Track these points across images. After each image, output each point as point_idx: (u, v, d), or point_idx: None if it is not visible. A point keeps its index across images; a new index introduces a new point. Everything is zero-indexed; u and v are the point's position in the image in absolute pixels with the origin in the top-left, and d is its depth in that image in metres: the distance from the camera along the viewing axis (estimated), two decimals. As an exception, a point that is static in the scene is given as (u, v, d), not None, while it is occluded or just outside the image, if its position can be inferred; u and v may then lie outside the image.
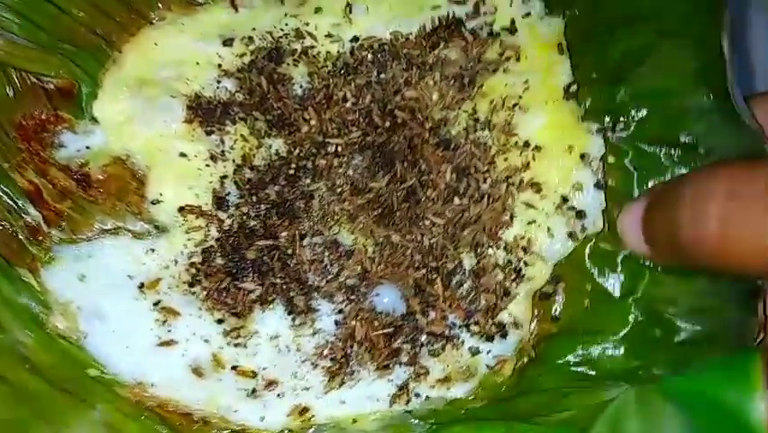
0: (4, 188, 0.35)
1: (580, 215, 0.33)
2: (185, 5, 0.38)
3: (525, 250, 0.33)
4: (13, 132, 0.36)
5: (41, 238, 0.34)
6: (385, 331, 0.32)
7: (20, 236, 0.34)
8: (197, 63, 0.37)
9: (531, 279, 0.33)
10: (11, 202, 0.35)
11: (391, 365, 0.32)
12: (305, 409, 0.32)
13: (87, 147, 0.36)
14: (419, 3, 0.38)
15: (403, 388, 0.33)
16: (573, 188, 0.33)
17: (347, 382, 0.32)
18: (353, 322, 0.33)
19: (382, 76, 0.36)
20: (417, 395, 0.32)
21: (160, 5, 0.38)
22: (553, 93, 0.34)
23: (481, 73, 0.35)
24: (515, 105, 0.35)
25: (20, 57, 0.36)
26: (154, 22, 0.38)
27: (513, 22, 0.38)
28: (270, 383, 0.33)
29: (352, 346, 0.33)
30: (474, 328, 0.33)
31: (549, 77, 0.35)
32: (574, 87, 0.34)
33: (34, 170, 0.36)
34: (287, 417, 0.32)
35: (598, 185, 0.33)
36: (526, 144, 0.34)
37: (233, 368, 0.33)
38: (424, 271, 0.33)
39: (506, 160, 0.34)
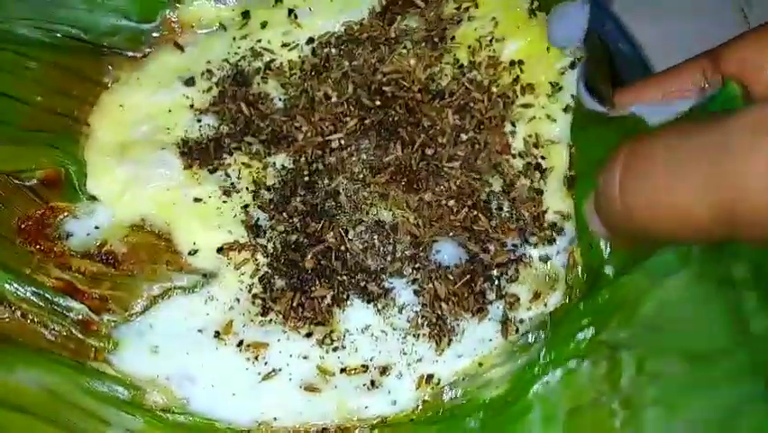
0: (38, 292, 0.36)
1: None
2: (132, 62, 0.41)
3: (536, 145, 0.39)
4: (16, 238, 0.36)
5: (95, 328, 0.36)
6: (463, 280, 0.37)
7: (75, 333, 0.35)
8: (169, 111, 0.40)
9: (553, 168, 0.39)
10: (50, 305, 0.35)
11: (484, 307, 0.37)
12: (429, 378, 0.36)
13: (96, 227, 0.38)
14: (359, -7, 0.42)
15: (505, 321, 0.37)
16: (559, 74, 0.39)
17: (453, 338, 0.36)
18: (430, 285, 0.37)
19: (354, 63, 0.41)
20: (521, 321, 0.37)
21: (109, 67, 0.40)
22: (520, 18, 0.41)
23: (448, 28, 0.41)
24: (491, 41, 0.40)
25: None
26: (110, 86, 0.40)
27: None
28: (384, 370, 0.36)
29: (440, 306, 0.37)
30: (533, 240, 0.38)
31: (510, 7, 0.41)
32: (536, 4, 0.40)
33: (57, 267, 0.36)
34: (416, 391, 0.36)
35: (572, 65, 0.39)
36: (512, 63, 0.40)
37: (343, 370, 0.36)
38: (464, 211, 0.38)
39: (498, 85, 0.40)
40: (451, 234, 0.38)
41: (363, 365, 0.36)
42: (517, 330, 0.37)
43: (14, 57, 0.38)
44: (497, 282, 0.37)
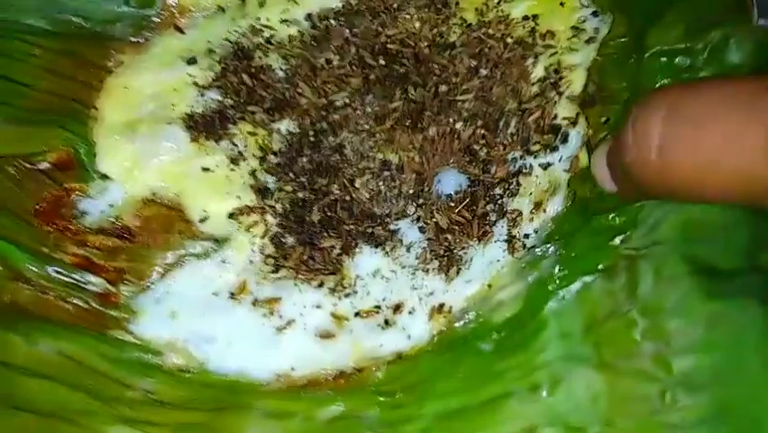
0: (58, 270, 0.37)
1: (593, 30, 0.40)
2: (134, 46, 0.42)
3: (556, 71, 0.39)
4: (33, 220, 0.37)
5: (113, 300, 0.37)
6: (463, 206, 0.37)
7: (93, 305, 0.36)
8: (174, 89, 0.42)
9: (570, 83, 0.39)
10: (68, 279, 0.36)
11: (488, 230, 0.37)
12: (440, 307, 0.36)
13: (110, 204, 0.39)
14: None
15: (510, 239, 0.37)
16: (579, 21, 0.40)
17: (462, 267, 0.37)
18: (434, 219, 0.37)
19: (355, 30, 0.42)
20: (526, 236, 0.37)
21: (112, 52, 0.41)
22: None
23: None
24: (499, 2, 0.41)
25: (7, 142, 0.38)
26: (113, 70, 0.41)
27: None
28: (397, 308, 0.37)
29: (446, 237, 0.37)
30: (534, 148, 0.39)
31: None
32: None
33: (73, 244, 0.37)
34: (429, 323, 0.36)
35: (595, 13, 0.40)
36: (525, 18, 0.41)
37: (356, 314, 0.37)
38: (470, 132, 0.38)
39: (511, 37, 0.40)
40: (452, 161, 0.38)
41: (376, 306, 0.37)
42: (524, 246, 0.37)
43: (20, 45, 0.40)
44: (498, 201, 0.37)
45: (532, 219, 0.37)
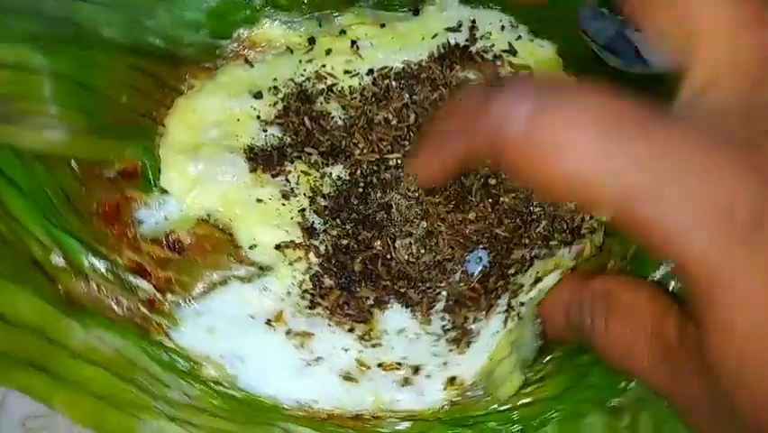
0: (112, 270, 0.43)
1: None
2: (206, 71, 0.50)
3: None
4: (95, 220, 0.44)
5: (158, 307, 0.43)
6: (477, 280, 0.45)
7: (141, 309, 0.43)
8: (238, 120, 0.49)
9: None
10: (121, 281, 0.43)
11: (494, 302, 0.44)
12: (453, 379, 0.43)
13: (166, 218, 0.46)
14: (417, 33, 0.52)
15: (508, 309, 0.44)
16: None
17: (472, 340, 0.44)
18: (457, 290, 0.45)
19: (415, 97, 0.49)
20: (522, 303, 0.44)
21: (186, 76, 0.49)
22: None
23: None
24: None
25: (84, 148, 0.45)
26: (185, 92, 0.49)
27: (510, 45, 0.52)
28: (416, 369, 0.44)
29: (462, 310, 0.44)
30: (553, 243, 0.45)
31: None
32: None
33: (129, 249, 0.44)
34: (443, 392, 0.43)
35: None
36: None
37: (379, 366, 0.43)
38: (504, 226, 0.46)
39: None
40: (481, 246, 0.45)
41: (398, 363, 0.43)
42: (518, 315, 0.43)
43: (103, 57, 0.46)
44: (508, 278, 0.44)
45: (529, 291, 0.43)
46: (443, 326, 0.45)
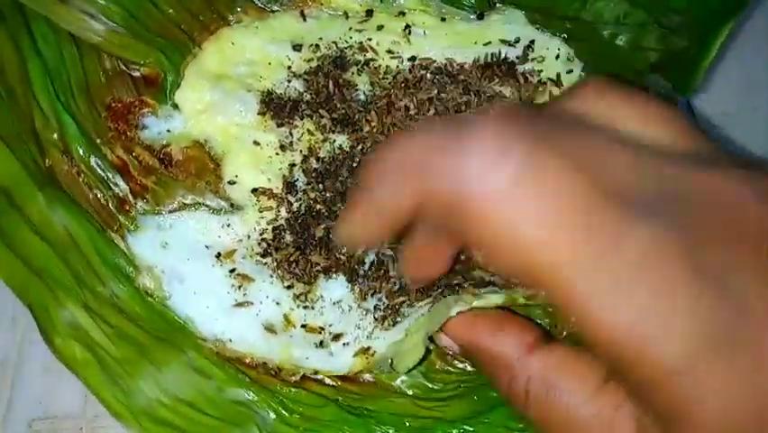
0: (98, 161, 0.49)
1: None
2: (259, 11, 0.54)
3: None
4: (104, 112, 0.50)
5: (127, 208, 0.49)
6: None
7: (110, 205, 0.48)
8: (269, 63, 0.53)
9: None
10: (102, 174, 0.49)
11: (433, 295, 0.47)
12: (366, 349, 0.46)
13: (168, 130, 0.51)
14: (473, 36, 0.55)
15: (437, 297, 0.46)
16: None
17: (398, 321, 0.47)
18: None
19: (442, 95, 0.52)
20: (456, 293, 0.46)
21: (238, 9, 0.53)
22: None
23: None
24: None
25: (117, 45, 0.51)
26: (231, 23, 0.53)
27: (558, 75, 0.54)
28: (337, 336, 0.47)
29: (400, 297, 0.47)
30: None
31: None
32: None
33: (122, 148, 0.49)
34: (352, 358, 0.46)
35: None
36: None
37: (303, 326, 0.47)
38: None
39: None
40: None
41: (321, 327, 0.47)
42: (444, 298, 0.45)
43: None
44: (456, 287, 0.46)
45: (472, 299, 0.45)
46: (377, 305, 0.48)
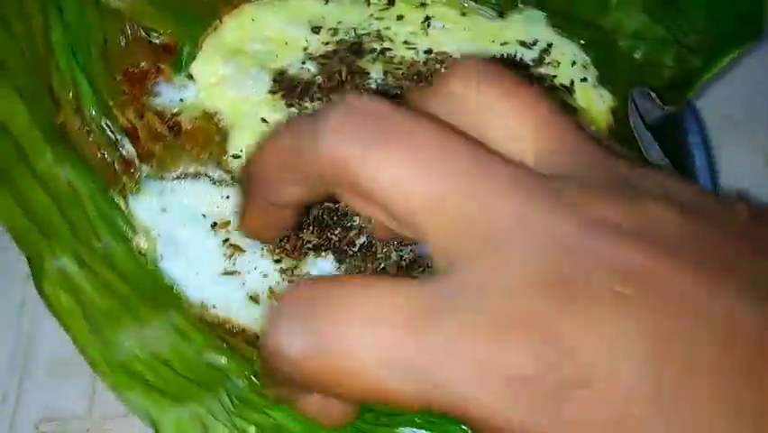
0: (109, 123, 0.51)
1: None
2: (281, -10, 0.56)
3: None
4: (119, 76, 0.52)
5: (132, 171, 0.51)
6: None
7: (115, 166, 0.50)
8: (286, 43, 0.55)
9: None
10: (112, 136, 0.51)
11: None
12: None
13: (181, 100, 0.53)
14: (491, 34, 0.57)
15: None
16: None
17: None
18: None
19: (454, 90, 0.53)
20: None
21: (262, -13, 0.55)
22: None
23: None
24: None
25: (138, 12, 0.53)
26: (253, 0, 0.55)
27: (572, 82, 0.55)
28: None
29: None
30: None
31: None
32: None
33: (134, 112, 0.52)
34: None
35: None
36: None
37: (285, 297, 0.49)
38: None
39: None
40: None
41: None
42: None
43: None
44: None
45: None
46: None
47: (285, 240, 0.50)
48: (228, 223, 0.51)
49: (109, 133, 0.52)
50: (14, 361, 0.53)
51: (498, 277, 0.20)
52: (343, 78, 0.55)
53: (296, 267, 0.50)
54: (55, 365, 0.52)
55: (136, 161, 0.52)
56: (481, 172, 0.21)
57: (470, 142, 0.22)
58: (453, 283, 0.20)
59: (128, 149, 0.52)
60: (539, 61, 0.56)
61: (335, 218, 0.51)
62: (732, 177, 0.55)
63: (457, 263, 0.21)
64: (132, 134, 0.52)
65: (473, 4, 0.58)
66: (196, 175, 0.52)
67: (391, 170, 0.22)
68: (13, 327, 0.54)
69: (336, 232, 0.51)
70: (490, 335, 0.19)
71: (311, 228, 0.51)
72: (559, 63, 0.56)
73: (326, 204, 0.51)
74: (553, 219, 0.20)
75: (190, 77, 0.54)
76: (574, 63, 0.56)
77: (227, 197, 0.52)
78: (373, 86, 0.55)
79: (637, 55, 0.56)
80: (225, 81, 0.54)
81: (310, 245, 0.51)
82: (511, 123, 0.23)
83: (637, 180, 0.22)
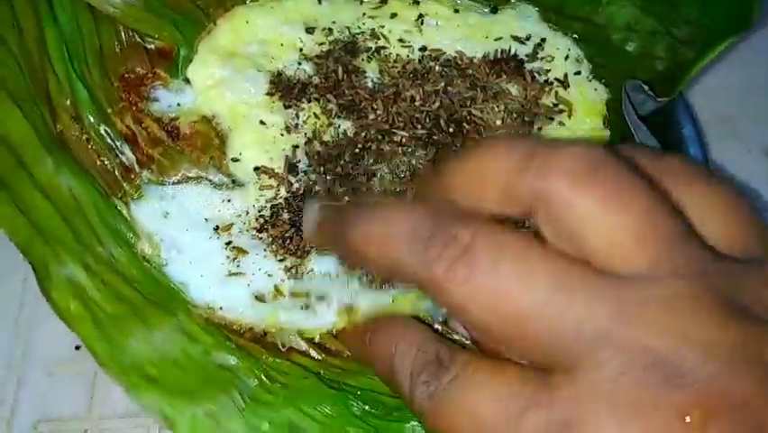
0: (108, 130, 0.53)
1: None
2: (274, -9, 0.57)
3: None
4: (116, 82, 0.54)
5: (132, 177, 0.53)
6: None
7: (116, 173, 0.52)
8: (281, 44, 0.57)
9: None
10: (111, 142, 0.53)
11: None
12: (350, 307, 0.49)
13: (178, 104, 0.55)
14: (485, 30, 0.58)
15: None
16: None
17: (388, 286, 0.49)
18: None
19: (449, 89, 0.55)
20: None
21: (254, -13, 0.57)
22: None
23: (540, 117, 0.55)
24: None
25: (132, 17, 0.55)
26: (247, 1, 0.57)
27: (566, 76, 0.57)
28: (321, 298, 0.50)
29: None
30: None
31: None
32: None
33: (132, 118, 0.53)
34: (336, 317, 0.49)
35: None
36: None
37: (292, 294, 0.50)
38: None
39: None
40: None
41: (307, 292, 0.50)
42: None
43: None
44: None
45: None
46: (369, 276, 0.50)
47: (288, 240, 0.52)
48: (230, 226, 0.53)
49: (108, 139, 0.53)
50: (12, 361, 0.54)
51: None
52: (340, 78, 0.56)
53: (299, 264, 0.52)
54: (53, 366, 0.54)
55: (136, 167, 0.53)
56: None
57: None
58: None
59: (127, 155, 0.53)
60: (533, 56, 0.58)
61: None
62: (725, 168, 0.57)
63: None
64: (131, 140, 0.54)
65: (466, 0, 0.59)
66: (196, 179, 0.54)
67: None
68: (11, 327, 0.55)
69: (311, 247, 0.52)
70: None
71: (313, 228, 0.52)
72: (553, 57, 0.58)
73: (333, 189, 0.53)
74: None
75: (187, 81, 0.55)
76: (568, 57, 0.58)
77: (228, 200, 0.53)
78: (370, 85, 0.56)
79: (630, 48, 0.58)
80: (222, 84, 0.55)
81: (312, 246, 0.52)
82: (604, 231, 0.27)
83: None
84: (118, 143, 0.53)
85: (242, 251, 0.52)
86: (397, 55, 0.57)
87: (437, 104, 0.55)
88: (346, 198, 0.53)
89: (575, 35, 0.58)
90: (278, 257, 0.52)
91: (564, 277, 0.25)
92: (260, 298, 0.51)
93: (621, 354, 0.24)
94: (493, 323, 0.27)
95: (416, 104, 0.55)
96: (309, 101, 0.56)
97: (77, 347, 0.54)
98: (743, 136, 0.59)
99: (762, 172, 0.58)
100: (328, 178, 0.54)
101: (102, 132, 0.53)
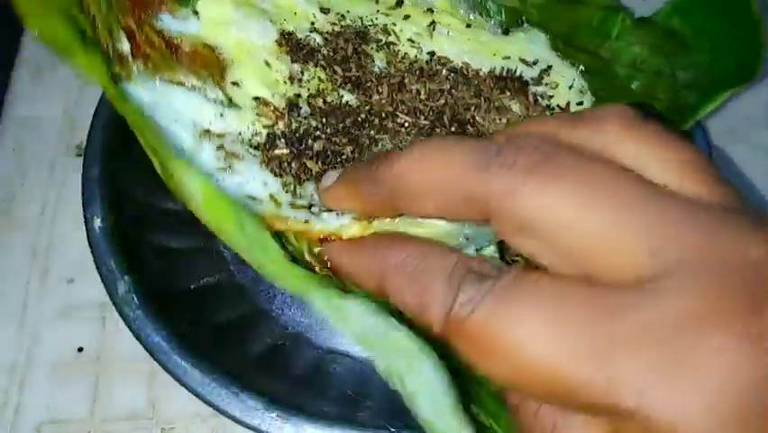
0: (110, 21, 0.49)
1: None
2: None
3: None
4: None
5: (124, 63, 0.49)
6: None
7: (110, 52, 0.48)
8: (295, 13, 0.56)
9: None
10: (109, 31, 0.49)
11: None
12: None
13: (181, 32, 0.52)
14: (494, 48, 0.60)
15: None
16: None
17: None
18: None
19: (454, 92, 0.55)
20: None
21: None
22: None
23: None
24: None
25: None
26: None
27: (568, 104, 0.58)
28: (329, 210, 0.45)
29: None
30: None
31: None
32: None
33: (133, 22, 0.51)
34: (350, 220, 0.44)
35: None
36: None
37: (291, 205, 0.46)
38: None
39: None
40: None
41: (311, 204, 0.46)
42: None
43: None
44: None
45: None
46: None
47: (285, 164, 0.48)
48: (222, 135, 0.48)
49: (107, 28, 0.49)
50: (16, 363, 0.53)
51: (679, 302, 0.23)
52: (349, 55, 0.55)
53: (298, 186, 0.47)
54: (56, 368, 0.53)
55: (129, 58, 0.49)
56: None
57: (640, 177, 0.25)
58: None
59: (124, 45, 0.50)
60: (538, 80, 0.59)
61: (340, 157, 0.49)
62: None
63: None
64: (130, 35, 0.50)
65: (480, 18, 0.61)
66: (191, 87, 0.50)
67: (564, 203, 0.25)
68: (15, 329, 0.55)
69: (340, 164, 0.49)
70: None
71: (314, 159, 0.49)
72: (557, 84, 0.59)
73: (335, 138, 0.50)
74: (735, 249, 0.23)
75: (195, 12, 0.53)
76: (572, 87, 0.59)
77: (221, 115, 0.50)
78: (376, 70, 0.55)
79: (634, 85, 0.59)
80: (231, 23, 0.54)
81: (313, 173, 0.48)
82: (658, 166, 0.26)
83: None
84: (117, 32, 0.49)
85: (235, 155, 0.47)
86: (406, 53, 0.57)
87: (442, 101, 0.55)
88: (348, 148, 0.50)
89: (582, 67, 0.59)
90: (276, 171, 0.48)
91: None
92: (253, 199, 0.45)
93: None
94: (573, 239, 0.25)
95: (421, 96, 0.55)
96: (316, 65, 0.55)
97: (80, 349, 0.54)
98: (748, 152, 0.60)
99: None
100: (329, 130, 0.51)
101: (104, 32, 0.49)
